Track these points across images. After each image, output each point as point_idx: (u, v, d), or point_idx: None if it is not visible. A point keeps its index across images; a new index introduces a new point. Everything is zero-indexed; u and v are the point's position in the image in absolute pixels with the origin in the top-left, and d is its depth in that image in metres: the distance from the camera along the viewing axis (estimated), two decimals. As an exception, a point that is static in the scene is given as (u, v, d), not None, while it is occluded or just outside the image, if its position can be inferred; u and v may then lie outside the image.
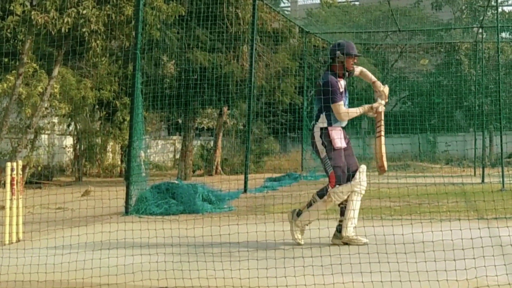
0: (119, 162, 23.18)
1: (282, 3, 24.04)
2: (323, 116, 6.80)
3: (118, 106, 18.88)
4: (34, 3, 11.46)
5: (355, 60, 7.07)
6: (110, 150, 22.94)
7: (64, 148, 22.50)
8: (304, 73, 21.22)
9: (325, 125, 6.79)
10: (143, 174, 10.13)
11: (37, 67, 12.93)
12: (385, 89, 7.14)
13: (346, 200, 6.75)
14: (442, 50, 31.27)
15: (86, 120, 20.54)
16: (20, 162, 7.50)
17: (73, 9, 11.10)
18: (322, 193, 6.75)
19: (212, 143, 25.34)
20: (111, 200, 7.06)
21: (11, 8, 10.93)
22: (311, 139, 7.06)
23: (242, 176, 14.47)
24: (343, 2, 34.81)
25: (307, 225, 6.81)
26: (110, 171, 23.00)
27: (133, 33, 10.89)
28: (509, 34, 31.26)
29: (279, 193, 13.22)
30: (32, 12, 10.92)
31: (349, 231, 6.64)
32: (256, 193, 13.66)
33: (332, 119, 6.78)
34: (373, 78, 7.29)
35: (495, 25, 16.86)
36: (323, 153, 6.78)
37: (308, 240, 6.29)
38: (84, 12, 11.17)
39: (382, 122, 7.13)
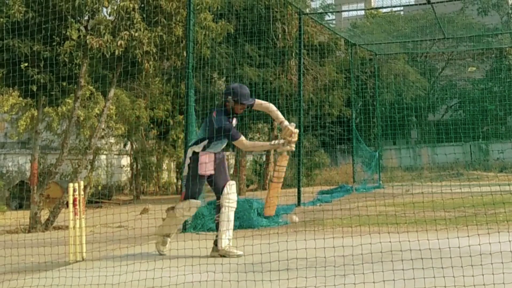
0: (175, 180, 23.44)
1: (327, 16, 24.07)
2: (201, 144, 7.17)
3: (171, 124, 19.19)
4: (88, 28, 11.81)
5: (245, 107, 7.28)
6: (165, 168, 23.26)
7: (121, 167, 22.91)
8: (352, 85, 21.20)
9: (198, 150, 7.18)
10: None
11: (93, 90, 13.32)
12: (292, 132, 7.06)
13: (218, 216, 7.20)
14: (490, 56, 30.78)
15: (142, 139, 20.91)
16: (82, 183, 7.71)
17: (125, 32, 11.36)
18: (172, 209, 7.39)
19: (264, 157, 25.46)
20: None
21: (68, 33, 11.30)
22: (183, 157, 7.71)
23: (295, 190, 14.54)
24: (388, 12, 34.60)
25: (168, 236, 7.48)
26: (166, 188, 23.29)
27: (184, 52, 11.10)
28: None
29: (333, 206, 13.22)
30: (87, 37, 11.25)
31: (224, 243, 7.04)
32: (309, 206, 13.69)
33: (208, 147, 7.18)
34: (280, 117, 7.35)
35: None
36: (185, 173, 7.30)
37: (366, 255, 6.31)
38: (136, 34, 11.42)
39: (285, 168, 7.32)
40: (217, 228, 7.25)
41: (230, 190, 7.28)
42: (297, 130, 7.12)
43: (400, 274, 5.14)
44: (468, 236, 5.73)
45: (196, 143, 7.28)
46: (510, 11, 34.35)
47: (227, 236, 7.09)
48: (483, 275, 4.91)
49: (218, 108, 7.32)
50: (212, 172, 7.26)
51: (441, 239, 5.79)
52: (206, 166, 7.19)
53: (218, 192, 7.30)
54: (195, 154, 7.21)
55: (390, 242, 5.77)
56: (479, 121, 27.94)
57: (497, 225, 7.75)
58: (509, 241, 5.42)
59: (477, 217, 9.50)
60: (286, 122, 7.19)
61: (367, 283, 5.06)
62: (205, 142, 7.17)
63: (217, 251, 7.11)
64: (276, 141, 7.25)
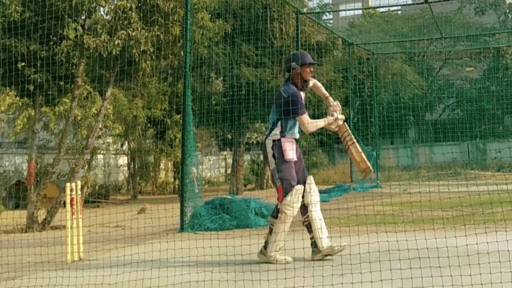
0: (172, 179, 23.43)
1: (325, 16, 24.08)
2: (277, 128, 6.64)
3: (168, 124, 19.18)
4: (86, 27, 11.80)
5: (312, 69, 6.84)
6: (163, 167, 23.27)
7: (119, 167, 22.90)
8: (349, 84, 21.22)
9: (278, 137, 6.62)
10: (196, 191, 10.26)
11: (90, 89, 13.30)
12: (338, 104, 7.00)
13: (307, 216, 6.59)
14: (487, 55, 30.84)
15: (139, 139, 20.91)
16: (79, 182, 7.70)
17: (123, 31, 11.35)
18: (275, 214, 6.59)
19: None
20: (167, 217, 7.24)
21: (65, 33, 11.28)
22: (262, 152, 6.96)
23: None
24: (385, 12, 34.64)
25: (281, 248, 6.54)
26: (164, 188, 23.28)
27: (182, 52, 11.10)
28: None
29: (330, 206, 13.20)
30: (85, 36, 11.24)
31: (324, 242, 6.48)
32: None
33: (286, 130, 6.63)
34: (326, 93, 7.18)
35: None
36: (273, 165, 6.64)
37: (363, 254, 6.30)
38: (134, 34, 11.40)
39: (349, 131, 7.10)
40: (308, 229, 6.64)
41: (313, 186, 6.75)
42: (337, 102, 7.05)
43: (397, 273, 5.14)
44: (465, 235, 5.74)
45: (272, 130, 6.71)
46: (507, 11, 34.41)
47: (324, 234, 6.56)
48: (480, 274, 4.90)
49: (285, 82, 6.92)
50: (296, 159, 6.67)
51: (439, 238, 5.77)
52: (291, 152, 6.62)
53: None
54: (276, 142, 6.62)
55: (387, 241, 5.77)
56: (477, 121, 27.96)
57: (494, 224, 7.75)
58: (507, 240, 5.42)
59: (474, 216, 9.50)
60: (330, 98, 7.06)
61: (364, 282, 5.06)
62: (280, 124, 6.63)
63: (319, 252, 6.51)
64: (329, 117, 6.88)
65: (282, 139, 6.61)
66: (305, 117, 6.57)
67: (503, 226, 7.64)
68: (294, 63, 6.70)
